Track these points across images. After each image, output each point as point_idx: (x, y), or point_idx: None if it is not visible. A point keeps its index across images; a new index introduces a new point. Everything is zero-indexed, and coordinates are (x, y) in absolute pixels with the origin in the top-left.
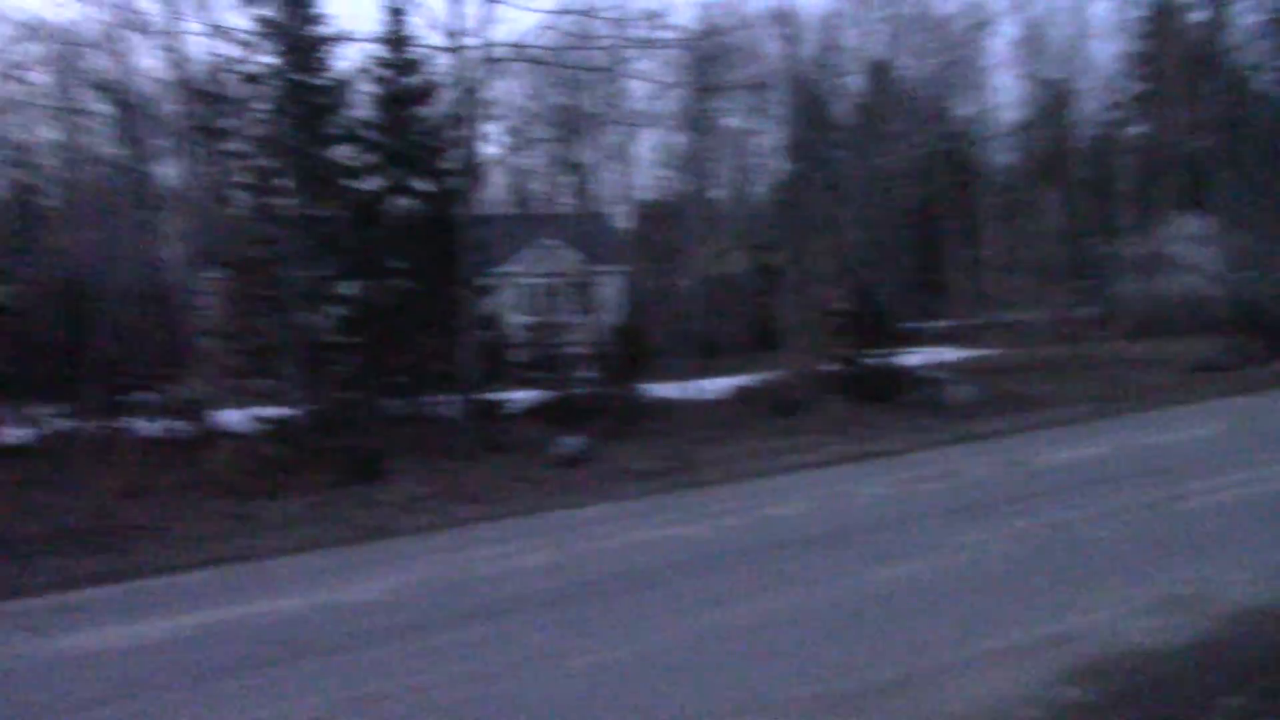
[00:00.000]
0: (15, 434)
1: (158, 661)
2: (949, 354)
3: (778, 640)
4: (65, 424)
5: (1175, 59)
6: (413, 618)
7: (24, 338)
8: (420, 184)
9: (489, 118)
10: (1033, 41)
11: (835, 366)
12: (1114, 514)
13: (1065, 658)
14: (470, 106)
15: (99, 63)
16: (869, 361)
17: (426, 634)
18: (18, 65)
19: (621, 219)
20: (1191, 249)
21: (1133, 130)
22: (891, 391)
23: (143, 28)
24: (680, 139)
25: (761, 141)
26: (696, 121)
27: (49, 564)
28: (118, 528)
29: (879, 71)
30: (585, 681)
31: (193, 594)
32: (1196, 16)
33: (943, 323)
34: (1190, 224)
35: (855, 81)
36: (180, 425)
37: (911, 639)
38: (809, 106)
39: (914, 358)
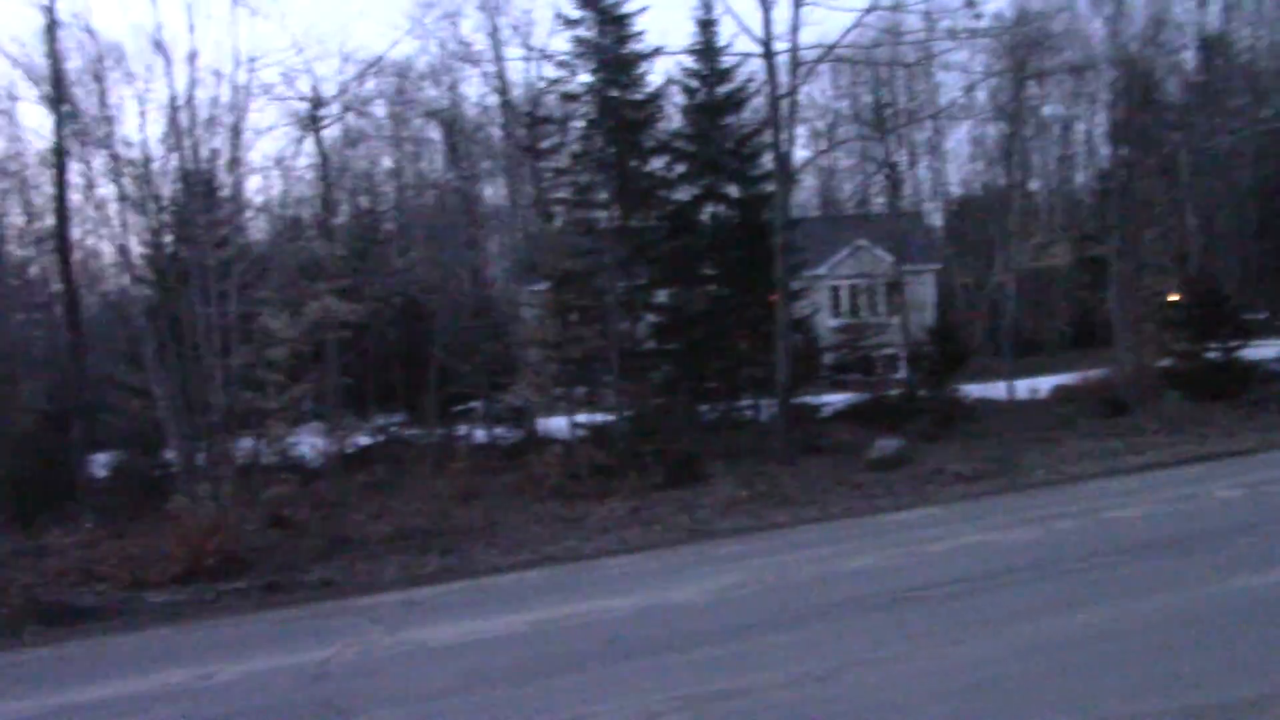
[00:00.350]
0: (362, 441)
1: (496, 656)
2: None
3: (1119, 650)
4: (405, 432)
5: None
6: (739, 619)
7: (368, 352)
8: (731, 190)
9: (799, 120)
10: None
11: (1170, 362)
12: None
13: None
14: (780, 111)
15: (431, 93)
16: (1209, 355)
17: (754, 635)
18: (362, 101)
19: (935, 216)
20: None
21: None
22: (1236, 387)
23: (471, 58)
24: (996, 130)
25: (1084, 128)
26: (1014, 111)
27: (395, 562)
28: (453, 529)
29: (1214, 45)
30: (918, 687)
31: (524, 592)
32: None
33: None
34: None
35: (1188, 58)
36: (508, 432)
37: (1272, 654)
38: (1137, 87)
39: (1261, 350)
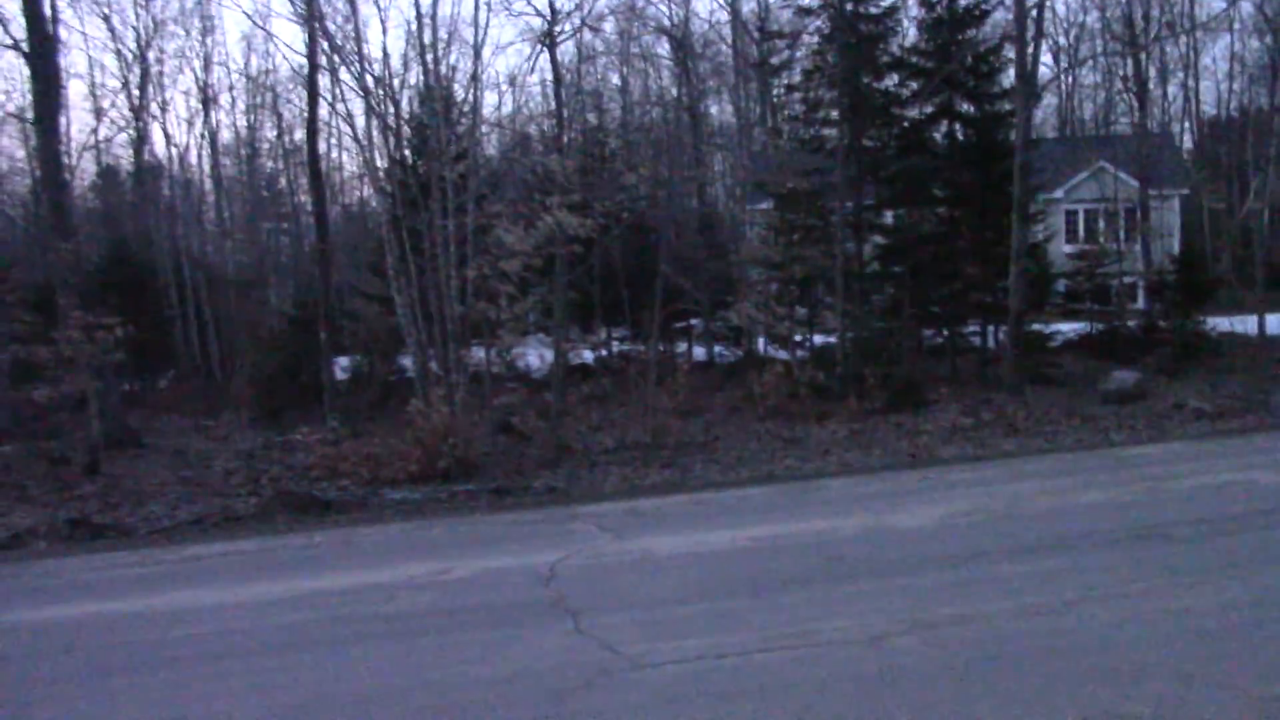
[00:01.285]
0: (586, 355)
1: (721, 568)
2: None
3: None
4: (628, 347)
5: None
6: (966, 547)
7: (595, 268)
8: (967, 109)
9: (1042, 36)
10: None
11: None
12: None
13: None
14: (1024, 25)
15: (661, 9)
16: None
17: (982, 564)
18: (596, 17)
19: (1184, 138)
20: None
21: None
22: None
23: None
24: (1256, 45)
25: None
26: (1276, 24)
27: (617, 473)
28: (674, 443)
29: None
30: (1157, 626)
31: (745, 508)
32: None
33: None
34: None
35: None
36: (729, 350)
37: None
38: None
39: None
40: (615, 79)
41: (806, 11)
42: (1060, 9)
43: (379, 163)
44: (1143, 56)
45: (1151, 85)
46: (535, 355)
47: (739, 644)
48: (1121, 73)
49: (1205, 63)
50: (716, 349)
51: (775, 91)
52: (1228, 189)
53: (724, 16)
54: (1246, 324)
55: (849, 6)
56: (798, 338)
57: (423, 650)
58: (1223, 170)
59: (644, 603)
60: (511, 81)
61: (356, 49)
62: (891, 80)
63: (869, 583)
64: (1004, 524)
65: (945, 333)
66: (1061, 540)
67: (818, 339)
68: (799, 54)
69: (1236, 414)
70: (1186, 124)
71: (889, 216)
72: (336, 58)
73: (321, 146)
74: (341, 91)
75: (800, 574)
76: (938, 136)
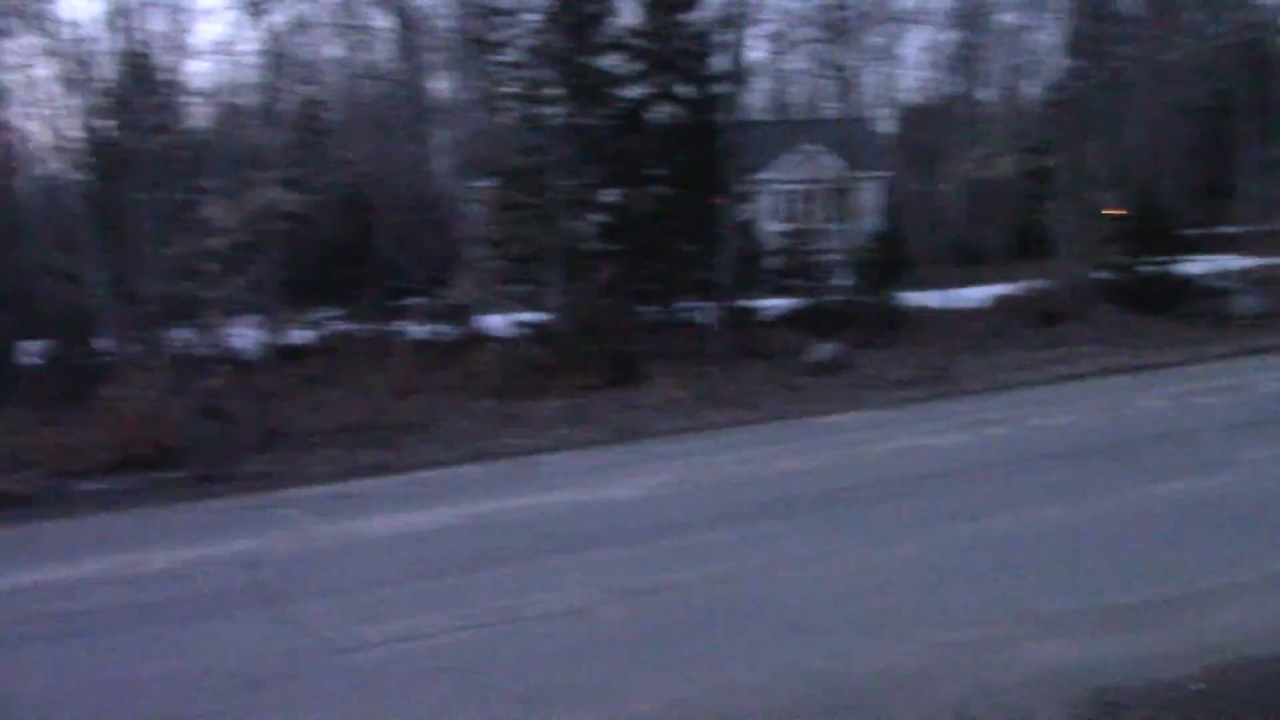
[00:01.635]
0: (300, 335)
1: (432, 548)
2: (1236, 262)
3: (1045, 553)
4: (344, 326)
5: None
6: (671, 517)
7: (308, 245)
8: (683, 90)
9: (754, 21)
10: None
11: (1108, 275)
12: None
13: None
14: (736, 10)
15: None
16: (1146, 269)
17: (684, 533)
18: None
19: (885, 123)
20: None
21: None
22: (1170, 301)
23: None
24: (950, 37)
25: (1038, 38)
26: (968, 18)
27: (331, 456)
28: (391, 424)
29: None
30: (844, 584)
31: (460, 487)
32: None
33: (1230, 229)
34: None
35: None
36: (448, 328)
37: (1192, 557)
38: None
39: (1196, 266)
40: (334, 51)
41: None
42: None
43: (72, 133)
44: (845, 44)
45: (855, 72)
46: (246, 337)
47: (444, 623)
48: (827, 59)
49: (904, 52)
50: (437, 327)
51: (497, 69)
52: (923, 172)
53: None
54: (940, 298)
55: None
56: (519, 315)
57: (108, 649)
58: (919, 154)
59: (350, 587)
60: (221, 50)
61: (43, 7)
62: (612, 60)
63: (579, 555)
64: (708, 494)
65: (663, 309)
66: (760, 507)
67: (539, 316)
68: (520, 32)
69: (926, 382)
70: (888, 110)
71: (610, 195)
72: (20, 16)
73: (10, 113)
74: (30, 54)
75: (510, 550)
76: (656, 117)
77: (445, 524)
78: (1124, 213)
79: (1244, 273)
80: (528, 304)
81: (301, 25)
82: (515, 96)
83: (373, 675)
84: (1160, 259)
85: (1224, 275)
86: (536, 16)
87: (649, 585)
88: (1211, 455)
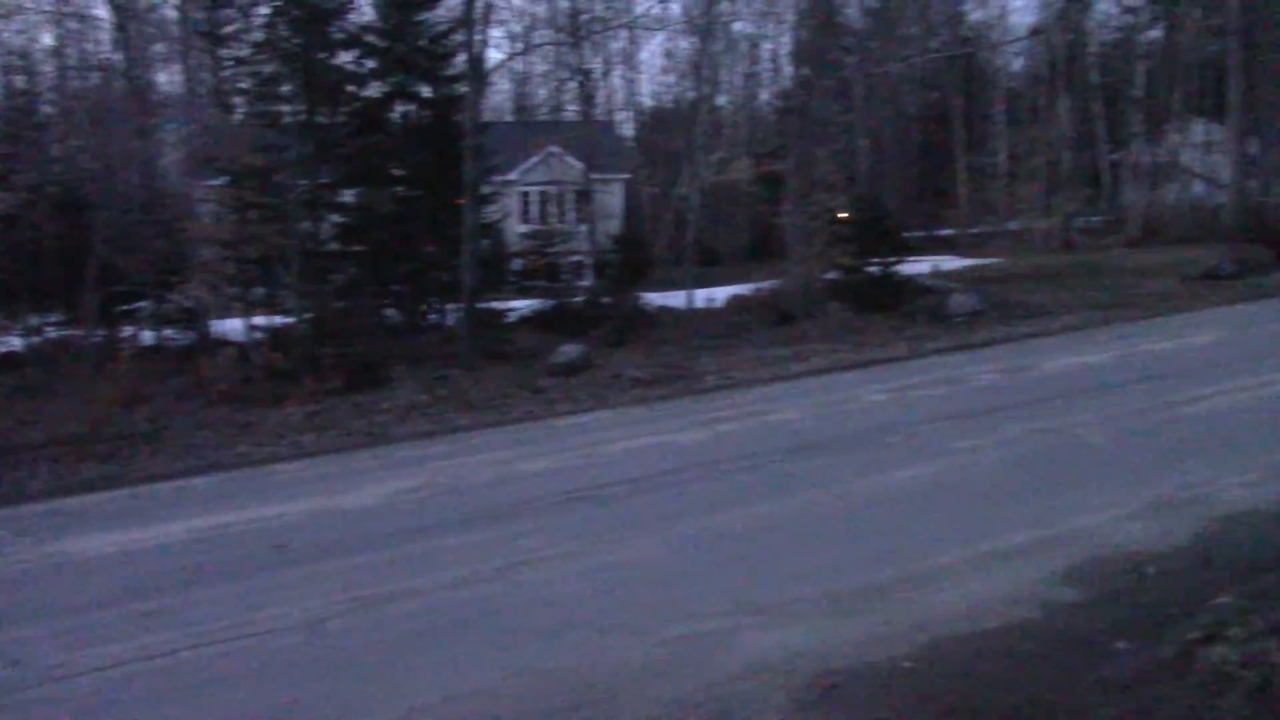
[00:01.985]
0: (12, 343)
1: (154, 566)
2: (952, 263)
3: (776, 543)
4: (62, 333)
5: None
6: (412, 523)
7: (22, 246)
8: (423, 90)
9: (494, 22)
10: None
11: (837, 275)
12: (1112, 420)
13: (1061, 560)
14: (475, 10)
15: None
16: (871, 270)
17: (425, 538)
18: None
19: (625, 126)
20: (1201, 157)
21: (1147, 35)
22: (893, 300)
23: None
24: (687, 44)
25: (771, 47)
26: (705, 26)
27: (45, 471)
28: (114, 435)
29: None
30: (582, 583)
31: (189, 500)
32: None
33: (947, 231)
34: (1201, 132)
35: None
36: (178, 334)
37: (909, 542)
38: (819, 9)
39: (917, 266)
40: (48, 39)
41: None
42: None
43: None
44: (586, 49)
45: (596, 76)
46: None
47: (168, 643)
48: (569, 63)
49: (644, 57)
50: (166, 332)
51: (226, 63)
52: (663, 175)
53: None
54: (679, 298)
55: None
56: (254, 319)
57: None
58: (659, 158)
59: (63, 610)
60: None
61: None
62: (347, 58)
63: (313, 566)
64: (449, 498)
65: (406, 312)
66: (502, 510)
67: (277, 320)
68: (251, 25)
69: (666, 381)
70: (628, 114)
71: (348, 195)
72: None
73: None
74: None
75: (242, 564)
76: (395, 116)
77: (171, 539)
78: (850, 216)
79: (960, 272)
80: (264, 307)
81: (9, 12)
82: (246, 93)
83: (90, 702)
84: (883, 260)
85: (942, 275)
86: (266, 10)
87: (388, 593)
88: (927, 445)
